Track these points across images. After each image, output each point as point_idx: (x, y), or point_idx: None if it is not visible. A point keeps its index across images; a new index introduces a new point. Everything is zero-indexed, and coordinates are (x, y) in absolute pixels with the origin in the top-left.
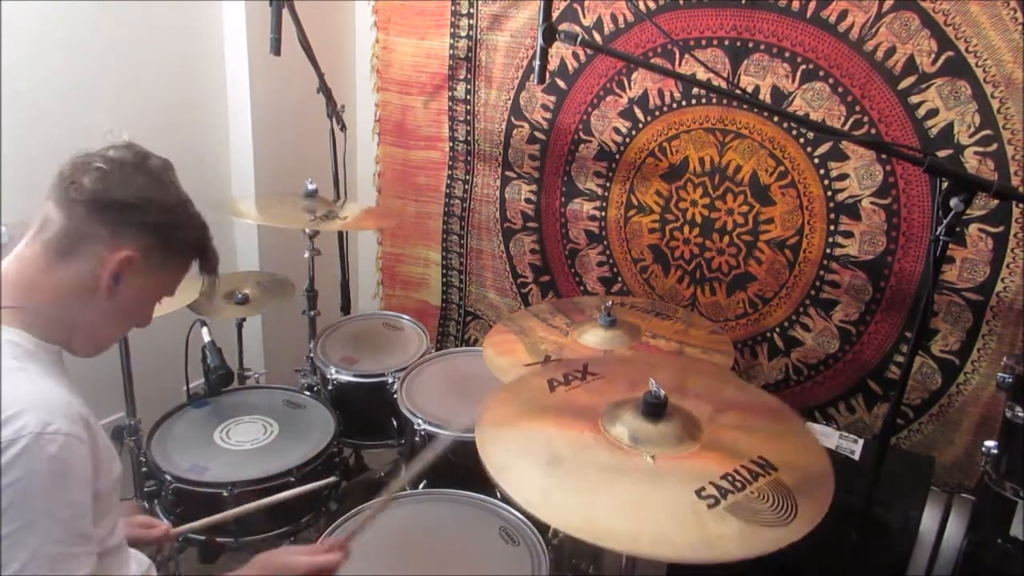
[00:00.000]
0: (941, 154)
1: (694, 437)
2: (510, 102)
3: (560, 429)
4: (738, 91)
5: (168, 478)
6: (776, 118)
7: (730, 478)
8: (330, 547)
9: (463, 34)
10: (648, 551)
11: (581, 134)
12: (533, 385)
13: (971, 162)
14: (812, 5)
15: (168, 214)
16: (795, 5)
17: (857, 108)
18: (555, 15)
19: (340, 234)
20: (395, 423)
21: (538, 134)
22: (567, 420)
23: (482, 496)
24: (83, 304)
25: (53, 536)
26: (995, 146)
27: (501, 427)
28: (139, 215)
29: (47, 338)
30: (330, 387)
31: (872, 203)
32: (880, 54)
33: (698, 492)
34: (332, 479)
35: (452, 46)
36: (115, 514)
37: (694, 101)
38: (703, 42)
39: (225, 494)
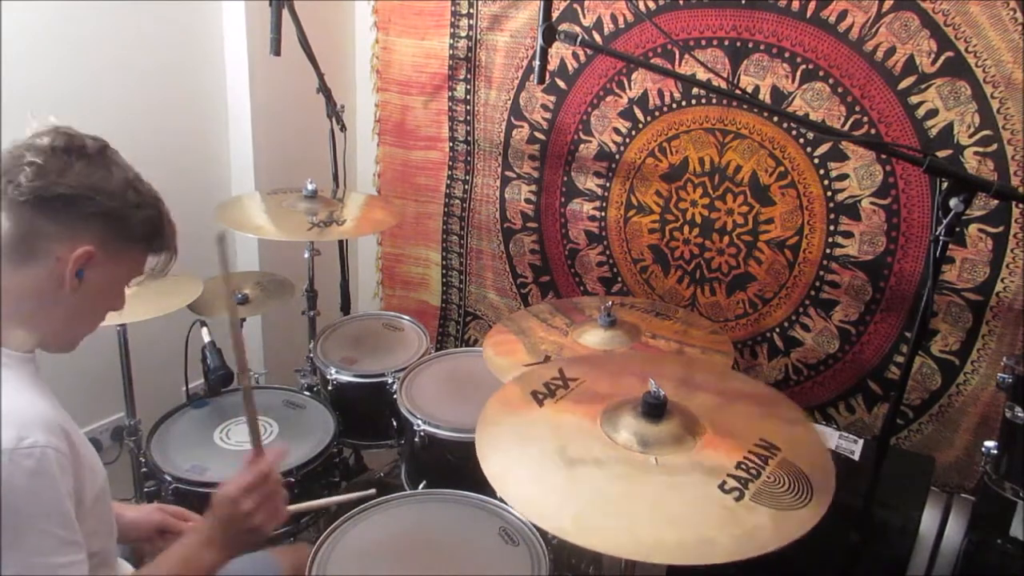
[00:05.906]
0: (941, 154)
1: (695, 432)
2: (510, 102)
3: (563, 443)
4: (738, 91)
5: (168, 478)
6: (776, 118)
7: (743, 466)
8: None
9: (463, 34)
10: (698, 557)
11: (581, 134)
12: (520, 403)
13: (971, 162)
14: (812, 5)
15: (116, 199)
16: (795, 5)
17: (857, 108)
18: (555, 15)
19: None
20: (395, 423)
21: (538, 134)
22: (568, 433)
23: (482, 496)
24: (51, 305)
25: (43, 548)
26: (995, 146)
27: (504, 459)
28: (88, 206)
29: (20, 347)
30: (330, 387)
31: (872, 203)
32: (880, 54)
33: (721, 486)
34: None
35: (452, 46)
36: (107, 520)
37: (694, 101)
38: (703, 42)
39: None
